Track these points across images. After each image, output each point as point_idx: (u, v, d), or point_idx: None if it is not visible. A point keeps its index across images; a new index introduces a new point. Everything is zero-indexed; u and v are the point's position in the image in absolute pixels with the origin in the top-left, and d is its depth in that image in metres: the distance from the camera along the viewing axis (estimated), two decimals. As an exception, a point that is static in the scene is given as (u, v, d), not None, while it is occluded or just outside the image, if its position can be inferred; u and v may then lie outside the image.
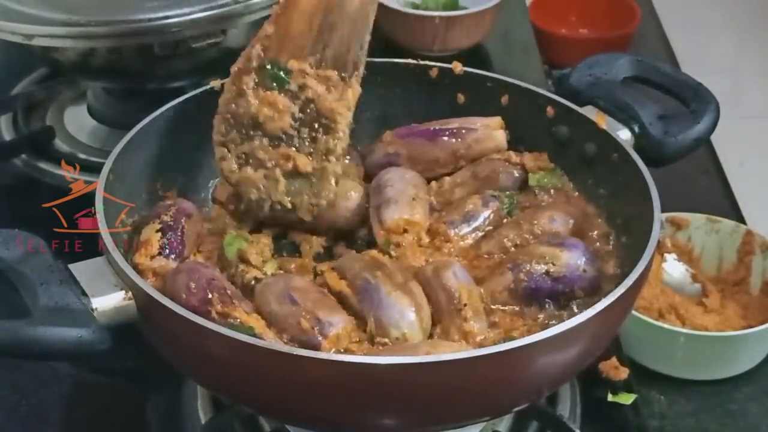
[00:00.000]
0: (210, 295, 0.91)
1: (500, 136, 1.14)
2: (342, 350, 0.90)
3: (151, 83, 1.43)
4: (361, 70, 1.04)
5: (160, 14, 1.30)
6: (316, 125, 1.02)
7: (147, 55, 1.33)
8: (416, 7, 1.78)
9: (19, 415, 1.12)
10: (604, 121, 1.09)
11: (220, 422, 1.06)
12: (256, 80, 1.03)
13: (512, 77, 1.16)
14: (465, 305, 0.94)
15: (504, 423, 1.05)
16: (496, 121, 1.14)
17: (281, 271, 1.03)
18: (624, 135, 1.08)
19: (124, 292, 0.88)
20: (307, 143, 1.03)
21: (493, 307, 0.98)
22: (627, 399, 1.11)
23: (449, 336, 0.93)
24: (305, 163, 1.03)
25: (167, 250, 0.98)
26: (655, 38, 2.20)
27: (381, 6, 1.11)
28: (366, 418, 0.87)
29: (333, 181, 1.04)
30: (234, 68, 1.04)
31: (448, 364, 0.81)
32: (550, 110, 1.12)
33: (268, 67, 1.02)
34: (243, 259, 1.01)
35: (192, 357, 0.90)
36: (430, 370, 0.81)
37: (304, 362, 0.81)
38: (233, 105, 1.03)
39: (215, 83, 1.11)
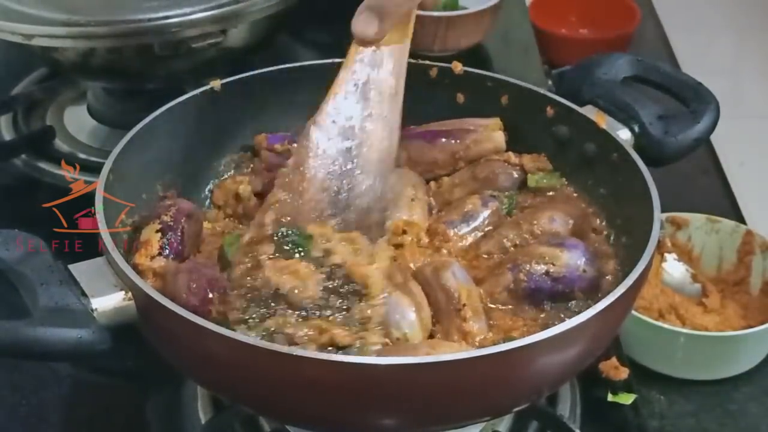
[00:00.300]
0: (210, 295, 0.91)
1: (499, 137, 1.13)
2: (342, 350, 0.90)
3: (151, 83, 1.43)
4: (388, 234, 0.95)
5: (160, 14, 1.29)
6: (347, 292, 0.90)
7: (147, 55, 1.33)
8: (416, 7, 1.78)
9: (19, 415, 1.12)
10: (604, 121, 1.09)
11: (220, 422, 1.06)
12: (273, 249, 0.92)
13: (512, 77, 1.16)
14: (464, 305, 0.94)
15: (504, 423, 1.05)
16: (495, 122, 1.14)
17: (281, 272, 1.02)
18: (624, 135, 1.08)
19: (124, 292, 0.88)
20: (339, 313, 0.89)
21: (492, 307, 0.98)
22: (627, 399, 1.11)
23: (449, 336, 0.93)
24: (342, 336, 0.88)
25: (167, 250, 0.98)
26: (655, 38, 2.20)
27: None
28: (366, 418, 0.87)
29: (374, 354, 0.89)
30: (245, 238, 0.94)
31: (448, 364, 0.81)
32: (549, 110, 1.12)
33: (286, 233, 0.93)
34: (243, 260, 1.01)
35: (192, 357, 0.90)
36: (430, 370, 0.81)
37: (304, 362, 0.80)
38: (249, 278, 0.91)
39: (215, 83, 1.11)
